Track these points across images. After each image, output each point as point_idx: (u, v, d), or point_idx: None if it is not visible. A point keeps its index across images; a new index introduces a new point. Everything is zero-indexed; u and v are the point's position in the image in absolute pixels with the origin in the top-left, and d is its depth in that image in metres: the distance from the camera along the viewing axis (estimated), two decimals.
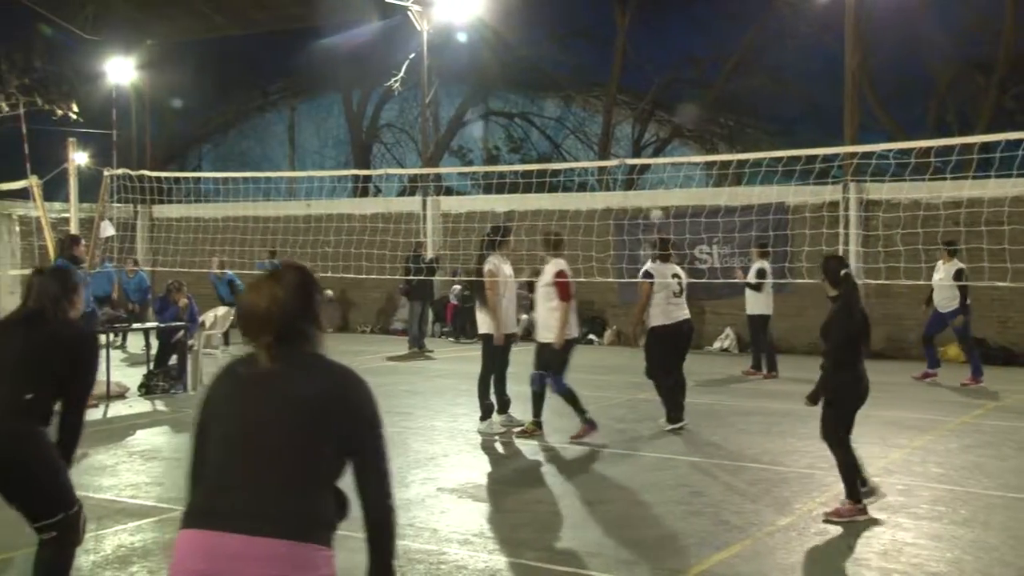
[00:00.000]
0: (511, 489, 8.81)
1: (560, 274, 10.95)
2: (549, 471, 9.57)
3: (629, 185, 26.89)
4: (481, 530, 7.40)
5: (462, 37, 27.34)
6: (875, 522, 7.60)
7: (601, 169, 27.05)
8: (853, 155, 18.23)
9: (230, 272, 21.36)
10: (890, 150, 14.79)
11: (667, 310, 11.46)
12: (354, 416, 3.23)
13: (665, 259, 11.95)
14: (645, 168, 27.16)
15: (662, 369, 11.49)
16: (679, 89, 32.69)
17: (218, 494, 3.11)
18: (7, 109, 31.26)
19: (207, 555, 3.01)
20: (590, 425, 10.77)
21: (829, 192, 19.45)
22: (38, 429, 4.95)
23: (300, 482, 3.11)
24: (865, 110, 20.97)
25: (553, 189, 21.73)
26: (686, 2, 30.04)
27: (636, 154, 32.12)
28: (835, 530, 7.39)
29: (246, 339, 3.27)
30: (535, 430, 11.05)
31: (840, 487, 7.66)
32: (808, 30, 25.45)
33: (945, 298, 15.13)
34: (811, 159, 16.38)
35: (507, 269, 11.56)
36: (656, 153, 32.85)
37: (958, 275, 14.72)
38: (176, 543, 3.11)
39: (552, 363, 10.81)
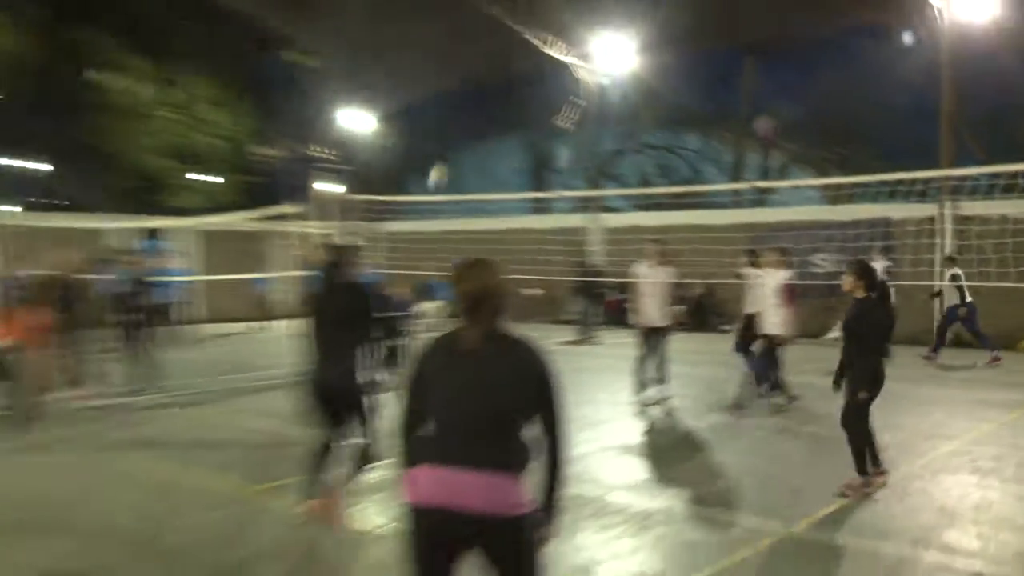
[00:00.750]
0: (663, 448, 8.80)
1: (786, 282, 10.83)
2: (698, 435, 9.48)
3: (759, 204, 26.41)
4: (638, 481, 7.43)
5: (618, 87, 27.30)
6: (969, 483, 7.35)
7: (735, 191, 26.65)
8: (948, 178, 17.56)
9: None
10: (980, 173, 14.21)
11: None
12: (544, 381, 3.35)
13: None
14: (771, 189, 26.72)
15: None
16: (799, 123, 31.93)
17: (447, 441, 3.28)
18: (284, 153, 32.92)
19: (442, 483, 3.20)
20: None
21: (927, 209, 18.72)
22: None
23: (506, 432, 3.28)
24: (959, 140, 20.04)
25: (694, 207, 21.56)
26: (802, 51, 29.22)
27: (763, 178, 31.55)
28: (931, 489, 7.18)
29: (460, 316, 3.37)
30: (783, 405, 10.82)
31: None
32: (906, 72, 24.54)
33: None
34: (912, 181, 15.86)
35: (650, 272, 11.50)
36: (779, 176, 32.17)
37: None
38: (413, 477, 3.26)
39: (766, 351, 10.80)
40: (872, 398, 6.98)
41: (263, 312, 22.50)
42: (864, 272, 7.13)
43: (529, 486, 3.27)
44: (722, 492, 7.05)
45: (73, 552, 5.72)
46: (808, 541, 5.90)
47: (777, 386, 10.79)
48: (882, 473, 7.14)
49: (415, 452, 3.34)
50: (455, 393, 3.31)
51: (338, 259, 6.41)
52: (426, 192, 34.38)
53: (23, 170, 34.74)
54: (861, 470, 6.99)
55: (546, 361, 3.39)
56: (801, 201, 23.11)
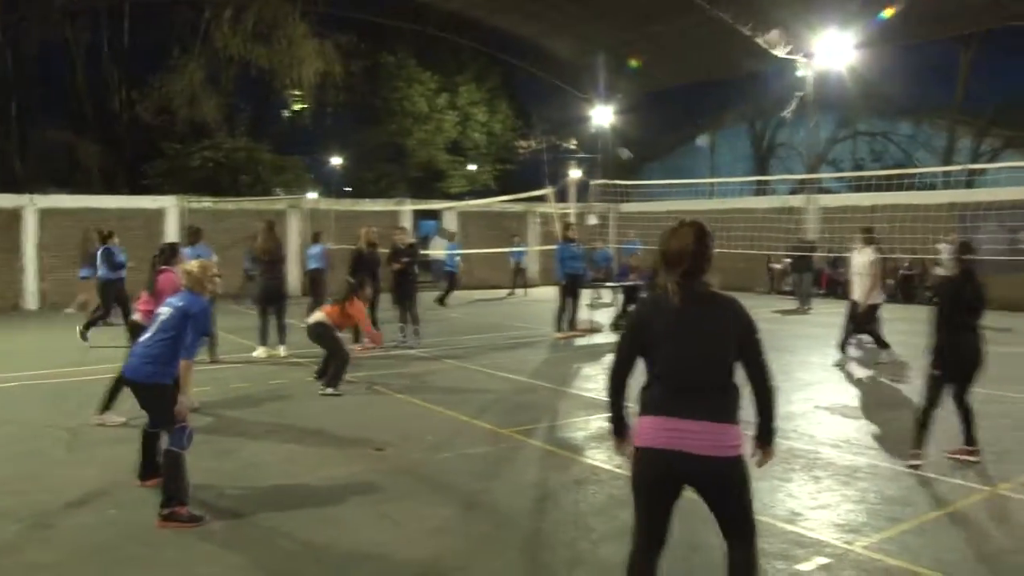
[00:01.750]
0: (870, 409, 8.46)
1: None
2: (905, 396, 9.05)
3: (969, 185, 24.33)
4: (848, 438, 7.22)
5: (837, 79, 25.92)
6: None
7: (945, 172, 24.69)
8: None
9: None
10: None
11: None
12: (746, 329, 3.31)
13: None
14: (982, 172, 24.61)
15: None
16: (1012, 109, 29.05)
17: (672, 393, 3.27)
18: (534, 145, 33.83)
19: (668, 431, 3.23)
20: None
21: None
22: None
23: (723, 382, 3.27)
24: None
25: (907, 189, 20.18)
26: (1013, 38, 26.50)
27: (974, 161, 29.03)
28: None
29: (667, 274, 3.30)
30: None
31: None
32: None
33: None
34: None
35: (858, 255, 11.14)
36: (991, 160, 29.45)
37: None
38: (643, 425, 3.31)
39: None
40: (944, 376, 6.16)
41: (519, 281, 23.09)
42: (959, 250, 6.48)
43: (741, 429, 3.26)
44: (928, 451, 6.72)
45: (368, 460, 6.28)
46: (1010, 500, 5.55)
47: None
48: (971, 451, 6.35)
49: (643, 404, 3.35)
50: (672, 348, 3.27)
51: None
52: (658, 177, 34.20)
53: (325, 164, 37.54)
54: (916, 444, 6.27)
55: (745, 309, 3.34)
56: (1010, 183, 21.04)
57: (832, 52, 23.59)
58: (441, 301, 19.20)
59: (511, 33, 32.14)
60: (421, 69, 33.71)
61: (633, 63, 30.63)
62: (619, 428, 3.54)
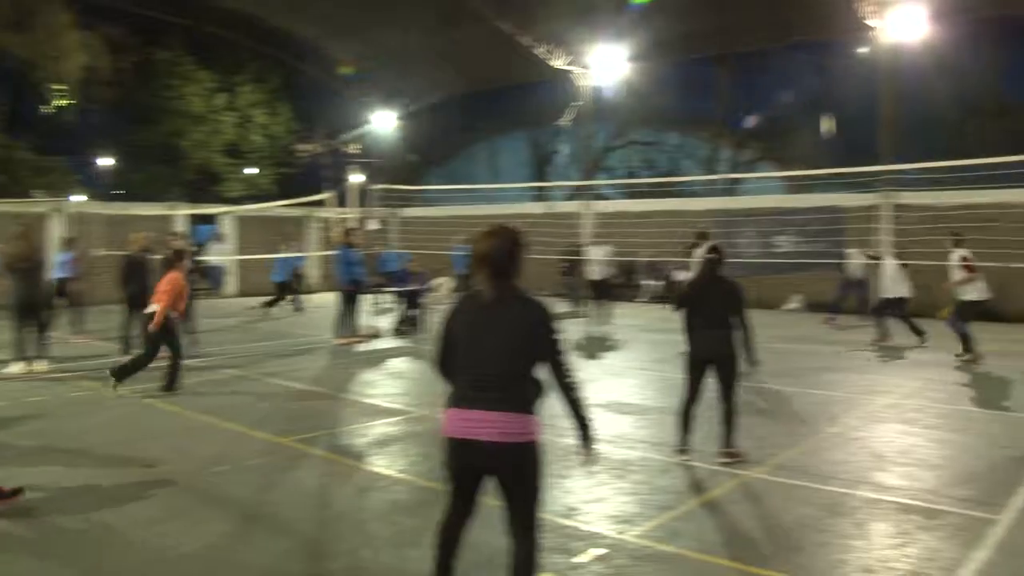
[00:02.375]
0: (645, 405, 8.89)
1: (965, 259, 11.49)
2: (677, 392, 9.57)
3: (729, 193, 26.48)
4: (621, 433, 7.55)
5: (611, 91, 27.33)
6: (897, 432, 7.48)
7: (709, 181, 26.74)
8: (888, 171, 17.60)
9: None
10: (914, 168, 14.29)
11: None
12: (547, 330, 3.53)
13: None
14: (740, 180, 26.90)
15: None
16: (765, 124, 31.92)
17: (469, 385, 3.48)
18: (315, 148, 33.13)
19: (464, 421, 3.45)
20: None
21: (870, 198, 18.74)
22: None
23: (518, 375, 3.49)
24: (895, 139, 20.02)
25: (674, 196, 21.60)
26: (771, 63, 29.12)
27: (734, 171, 31.62)
28: (866, 436, 7.31)
29: (474, 275, 3.54)
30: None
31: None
32: (856, 81, 24.52)
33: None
34: (858, 175, 15.91)
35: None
36: (748, 170, 32.22)
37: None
38: (447, 416, 3.51)
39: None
40: (694, 373, 6.50)
41: (295, 287, 22.27)
42: (707, 253, 6.79)
43: (538, 419, 3.51)
44: (693, 443, 7.16)
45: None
46: (765, 482, 6.03)
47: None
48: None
49: (448, 397, 3.54)
50: (470, 343, 3.49)
51: None
52: (439, 182, 34.56)
53: (92, 165, 34.87)
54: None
55: (549, 314, 3.54)
56: (766, 191, 23.13)
57: (607, 65, 24.82)
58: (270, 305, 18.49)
59: (293, 34, 31.28)
60: (198, 67, 32.04)
61: (420, 70, 30.70)
62: None
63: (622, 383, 10.14)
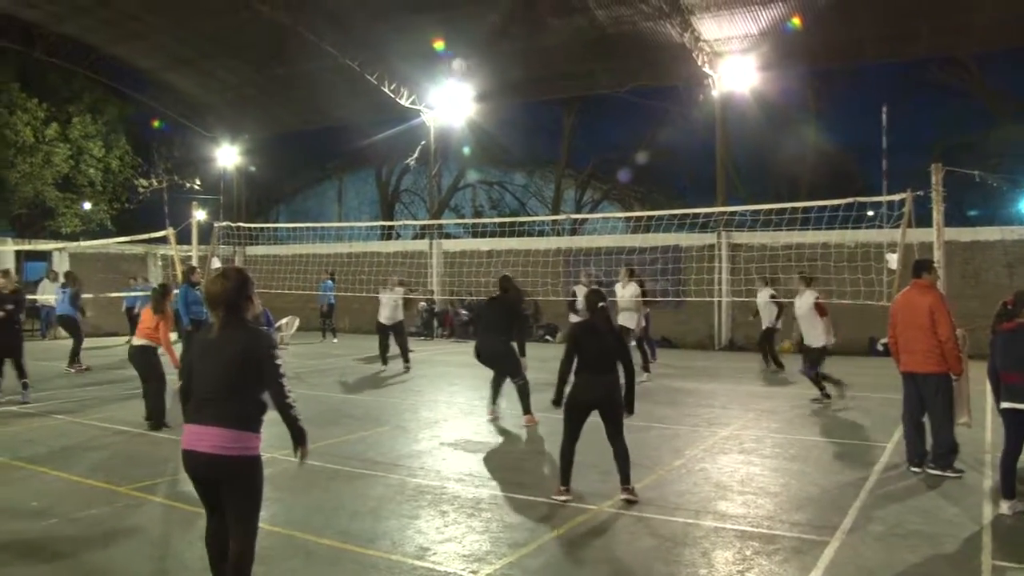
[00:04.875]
0: (492, 443, 8.92)
1: (818, 300, 11.37)
2: (521, 429, 9.65)
3: (573, 232, 27.22)
4: (471, 471, 7.52)
5: (457, 130, 27.65)
6: (738, 461, 7.80)
7: (554, 221, 27.38)
8: (723, 213, 18.59)
9: (331, 283, 21.71)
10: (747, 210, 15.17)
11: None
12: (266, 355, 4.05)
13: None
14: (584, 221, 27.75)
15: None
16: (607, 165, 33.14)
17: (196, 404, 4.04)
18: (155, 184, 31.65)
19: (191, 435, 4.00)
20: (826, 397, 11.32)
21: (708, 238, 19.72)
22: None
23: (236, 395, 3.99)
24: (730, 182, 21.27)
25: (520, 235, 21.99)
26: (612, 107, 30.33)
27: (578, 211, 32.60)
28: (709, 467, 7.58)
29: (209, 311, 4.08)
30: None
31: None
32: (693, 127, 25.84)
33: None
34: (696, 215, 16.70)
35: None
36: (592, 210, 33.31)
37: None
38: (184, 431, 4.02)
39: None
40: (569, 415, 6.55)
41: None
42: (590, 299, 6.80)
43: (252, 435, 4.00)
44: (539, 479, 7.23)
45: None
46: (614, 516, 6.13)
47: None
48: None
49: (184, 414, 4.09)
50: (198, 367, 4.05)
51: None
52: (286, 219, 33.83)
53: None
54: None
55: (267, 342, 4.08)
56: (609, 231, 23.91)
57: (451, 105, 25.11)
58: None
59: (132, 65, 29.91)
60: (27, 95, 30.12)
61: (268, 104, 29.99)
62: None
63: (470, 422, 10.14)
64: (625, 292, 13.44)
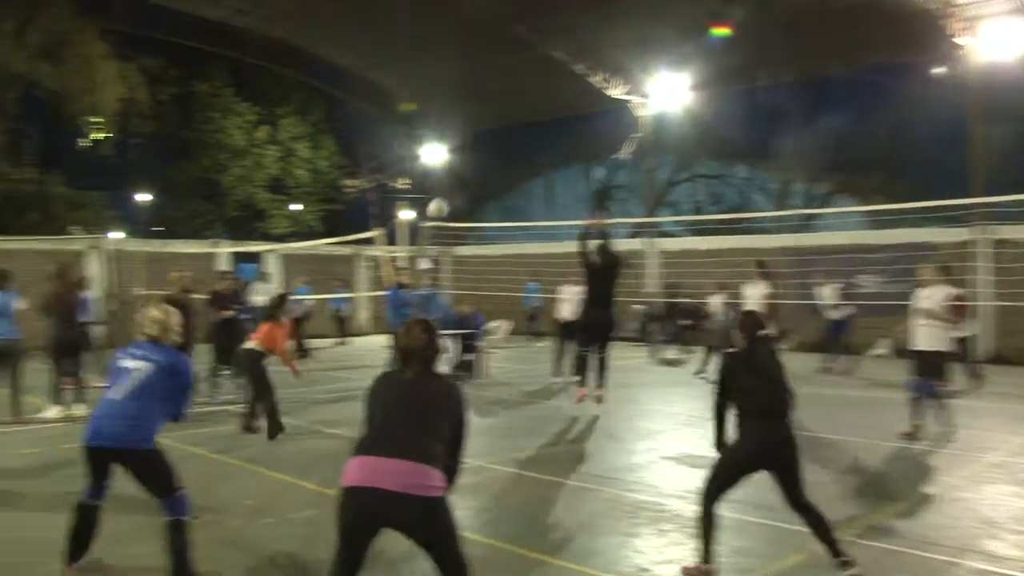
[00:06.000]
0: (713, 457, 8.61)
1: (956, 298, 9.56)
2: None
3: (803, 229, 26.11)
4: (693, 488, 7.26)
5: (674, 122, 27.24)
6: (1009, 494, 7.10)
7: (780, 217, 26.42)
8: (981, 204, 17.18)
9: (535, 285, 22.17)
10: (1015, 200, 13.83)
11: None
12: (457, 404, 4.03)
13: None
14: (814, 216, 26.55)
15: None
16: (841, 154, 31.46)
17: (381, 438, 3.84)
18: (363, 184, 33.50)
19: (371, 470, 3.74)
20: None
21: (963, 233, 18.24)
22: None
23: (431, 436, 3.84)
24: (988, 167, 19.55)
25: (743, 232, 21.33)
26: (846, 89, 28.78)
27: (808, 206, 31.24)
28: (971, 498, 6.95)
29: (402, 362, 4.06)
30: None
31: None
32: (941, 106, 24.07)
33: None
34: (947, 207, 15.53)
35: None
36: (823, 204, 31.79)
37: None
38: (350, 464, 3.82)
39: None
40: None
41: (340, 329, 22.43)
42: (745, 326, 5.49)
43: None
44: (771, 499, 6.86)
45: None
46: (861, 548, 5.71)
47: None
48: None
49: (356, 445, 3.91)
50: (393, 406, 3.93)
51: None
52: (494, 219, 34.65)
53: (130, 201, 35.79)
54: None
55: (460, 392, 4.08)
56: (845, 227, 22.68)
57: (668, 93, 24.76)
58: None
59: (337, 65, 31.84)
60: (238, 99, 32.83)
61: (472, 100, 30.90)
62: None
63: (691, 433, 9.87)
64: (754, 292, 12.51)
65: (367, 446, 3.82)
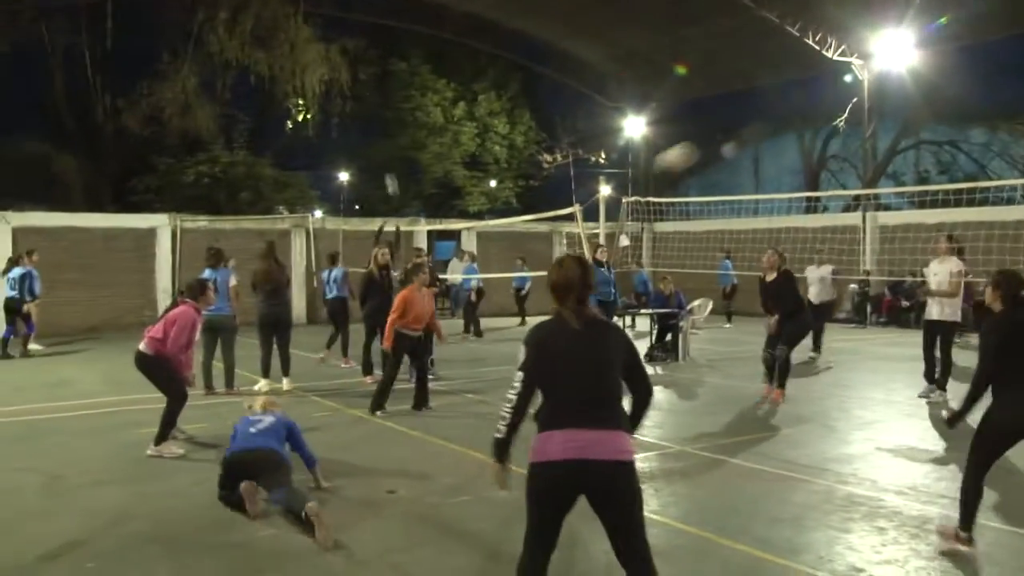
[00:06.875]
0: (944, 453, 8.16)
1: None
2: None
3: None
4: (915, 484, 6.94)
5: (897, 83, 25.73)
6: None
7: None
8: None
9: (729, 263, 21.77)
10: None
11: None
12: (632, 351, 3.91)
13: None
14: None
15: None
16: None
17: (572, 408, 3.74)
18: (560, 159, 33.81)
19: (575, 442, 3.67)
20: None
21: None
22: None
23: (613, 395, 3.79)
24: None
25: (980, 204, 19.86)
26: None
27: None
28: None
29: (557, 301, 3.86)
30: None
31: None
32: None
33: None
34: None
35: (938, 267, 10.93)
36: None
37: None
38: (544, 439, 3.73)
39: None
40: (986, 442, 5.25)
41: (520, 307, 22.08)
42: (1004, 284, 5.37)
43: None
44: (1014, 504, 6.43)
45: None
46: None
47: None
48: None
49: (544, 419, 3.78)
50: (572, 368, 3.77)
51: None
52: (697, 193, 34.10)
53: (332, 180, 37.73)
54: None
55: (623, 334, 4.04)
56: None
57: (890, 53, 23.44)
58: (468, 330, 19.25)
59: (533, 37, 32.18)
60: (436, 76, 33.84)
61: (677, 69, 30.41)
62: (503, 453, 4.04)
63: (912, 425, 9.38)
64: (941, 270, 10.81)
65: (560, 418, 3.74)
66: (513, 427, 3.91)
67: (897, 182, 32.28)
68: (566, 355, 3.79)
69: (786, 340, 10.50)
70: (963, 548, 5.19)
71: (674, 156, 16.33)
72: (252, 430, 6.43)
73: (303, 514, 5.56)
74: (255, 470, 6.08)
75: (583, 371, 3.76)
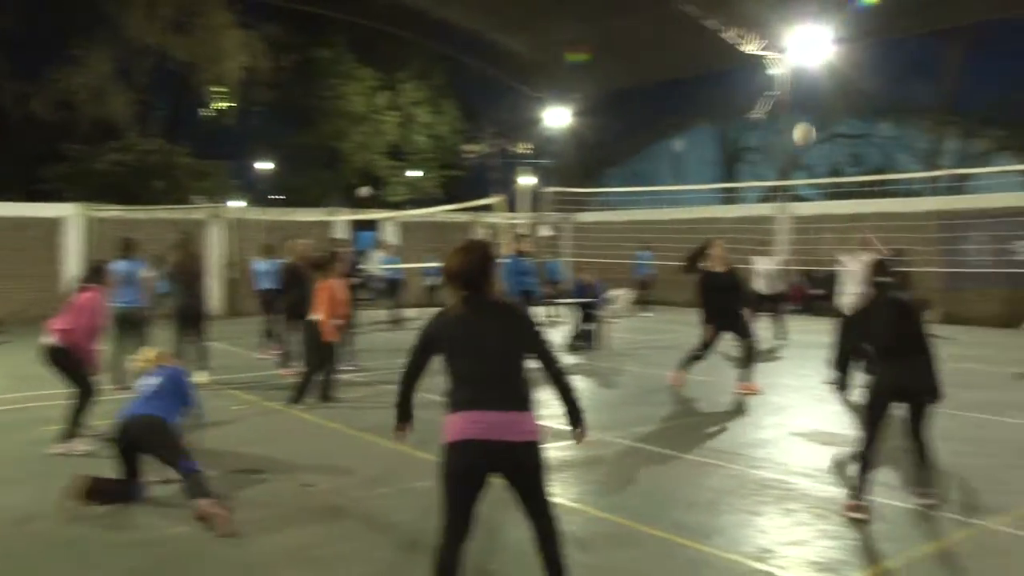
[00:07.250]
0: (852, 436, 8.43)
1: None
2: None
3: (956, 191, 24.94)
4: (823, 467, 7.16)
5: (812, 78, 26.37)
6: None
7: (932, 178, 25.31)
8: None
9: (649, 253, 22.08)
10: None
11: None
12: (533, 331, 4.02)
13: None
14: (969, 176, 25.27)
15: None
16: (1003, 108, 29.81)
17: (474, 390, 3.89)
18: (484, 149, 33.88)
19: (479, 423, 3.82)
20: None
21: None
22: None
23: (515, 376, 3.94)
24: None
25: (886, 196, 20.55)
26: (1009, 36, 27.28)
27: (961, 165, 29.79)
28: None
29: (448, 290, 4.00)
30: None
31: None
32: None
33: None
34: None
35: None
36: (980, 164, 30.23)
37: None
38: (452, 421, 3.89)
39: None
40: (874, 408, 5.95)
41: (431, 299, 21.92)
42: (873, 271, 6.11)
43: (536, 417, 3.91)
44: (911, 481, 6.68)
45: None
46: (1010, 536, 5.50)
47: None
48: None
49: (451, 402, 3.92)
50: (470, 351, 3.90)
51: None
52: (618, 184, 34.45)
53: (251, 170, 37.12)
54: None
55: (529, 316, 4.07)
56: (1003, 188, 21.50)
57: (807, 47, 23.97)
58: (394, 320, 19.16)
59: (459, 27, 32.08)
60: (359, 65, 33.54)
61: (586, 58, 30.60)
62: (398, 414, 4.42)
63: (823, 409, 9.67)
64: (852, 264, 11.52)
65: (462, 401, 3.88)
66: (402, 395, 4.29)
67: (811, 175, 33.10)
68: (464, 340, 3.92)
69: (747, 332, 10.59)
70: (861, 516, 5.66)
71: (799, 133, 16.82)
72: (140, 395, 6.37)
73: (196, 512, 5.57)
74: (140, 441, 6.04)
75: (482, 355, 3.89)
